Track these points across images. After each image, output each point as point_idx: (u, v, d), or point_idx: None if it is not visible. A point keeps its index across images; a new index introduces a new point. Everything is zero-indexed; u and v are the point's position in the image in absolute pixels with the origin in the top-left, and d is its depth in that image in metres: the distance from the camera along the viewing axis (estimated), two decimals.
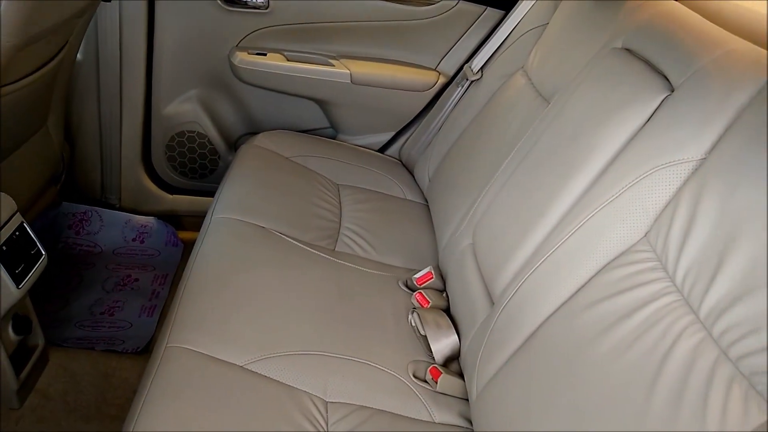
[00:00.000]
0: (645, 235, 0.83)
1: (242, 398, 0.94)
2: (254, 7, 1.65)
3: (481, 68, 1.60)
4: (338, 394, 1.01)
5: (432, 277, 1.28)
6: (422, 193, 1.67)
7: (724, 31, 0.91)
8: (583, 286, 0.87)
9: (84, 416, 1.30)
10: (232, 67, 1.70)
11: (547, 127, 1.11)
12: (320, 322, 1.12)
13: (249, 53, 1.69)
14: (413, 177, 1.75)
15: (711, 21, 0.98)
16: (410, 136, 1.80)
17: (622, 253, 0.84)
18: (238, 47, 1.70)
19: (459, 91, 1.64)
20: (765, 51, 0.81)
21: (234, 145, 1.87)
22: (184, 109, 1.79)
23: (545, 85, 1.28)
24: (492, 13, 1.64)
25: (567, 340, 0.85)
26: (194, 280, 1.14)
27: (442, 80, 1.72)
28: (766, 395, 0.59)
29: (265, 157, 1.59)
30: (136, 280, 1.76)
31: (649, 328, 0.74)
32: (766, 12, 1.00)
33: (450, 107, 1.66)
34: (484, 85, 1.56)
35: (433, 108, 1.73)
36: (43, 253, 1.19)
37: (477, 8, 1.65)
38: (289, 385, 1.00)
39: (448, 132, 1.61)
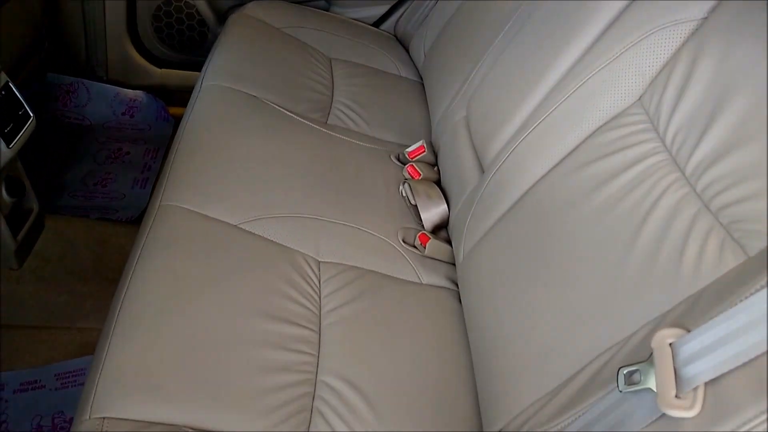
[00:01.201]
0: (639, 99, 0.83)
1: (236, 254, 0.97)
2: None
3: None
4: (330, 255, 1.05)
5: (424, 151, 1.29)
6: (417, 70, 1.64)
7: None
8: (574, 150, 0.87)
9: (82, 278, 1.34)
10: None
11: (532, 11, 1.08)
12: (313, 188, 1.13)
13: None
14: (408, 53, 1.70)
15: None
16: (406, 10, 1.73)
17: (615, 117, 0.84)
18: None
19: None
20: None
21: (224, 17, 1.80)
22: None
23: None
24: None
25: (555, 201, 0.87)
26: (186, 144, 1.13)
27: None
28: (743, 242, 0.61)
29: (255, 27, 1.53)
30: (128, 153, 1.75)
31: (635, 187, 0.75)
32: None
33: None
34: None
35: None
36: (31, 114, 1.18)
37: None
38: (283, 245, 1.02)
39: (444, 6, 1.55)
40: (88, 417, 0.72)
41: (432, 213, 1.16)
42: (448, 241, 1.14)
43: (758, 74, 0.66)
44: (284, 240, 1.03)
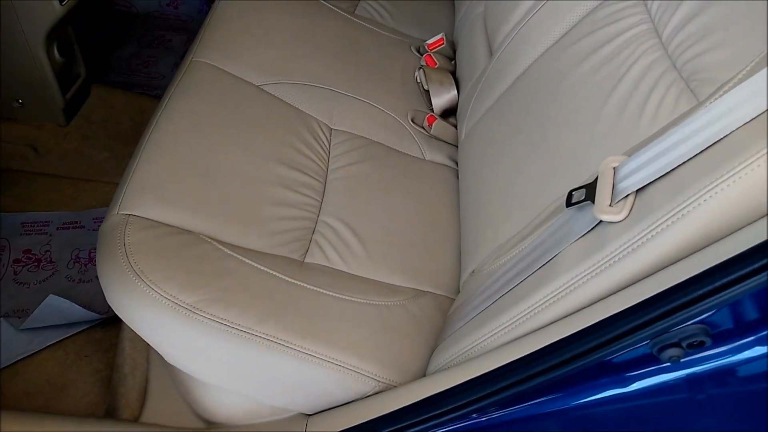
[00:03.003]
0: None
1: (256, 108, 1.07)
2: None
3: None
4: (342, 123, 1.14)
5: (443, 43, 1.35)
6: None
7: None
8: (573, 27, 0.93)
9: (121, 140, 1.47)
10: None
11: None
12: (333, 64, 1.22)
13: None
14: None
15: None
16: None
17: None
18: None
19: None
20: None
21: None
22: None
23: None
24: None
25: (548, 74, 0.94)
26: (221, 11, 1.23)
27: None
28: (696, 90, 0.68)
29: None
30: (170, 40, 1.86)
31: (618, 53, 0.82)
32: None
33: None
34: None
35: None
36: None
37: None
38: (299, 109, 1.12)
39: None
40: (116, 212, 0.85)
41: (443, 98, 1.24)
42: (455, 126, 1.22)
43: None
44: (301, 105, 1.12)
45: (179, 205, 0.88)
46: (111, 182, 1.41)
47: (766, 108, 0.53)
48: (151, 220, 0.85)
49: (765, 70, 0.55)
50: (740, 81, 0.59)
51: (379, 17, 1.44)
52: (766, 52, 0.59)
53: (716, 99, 0.59)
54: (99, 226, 0.89)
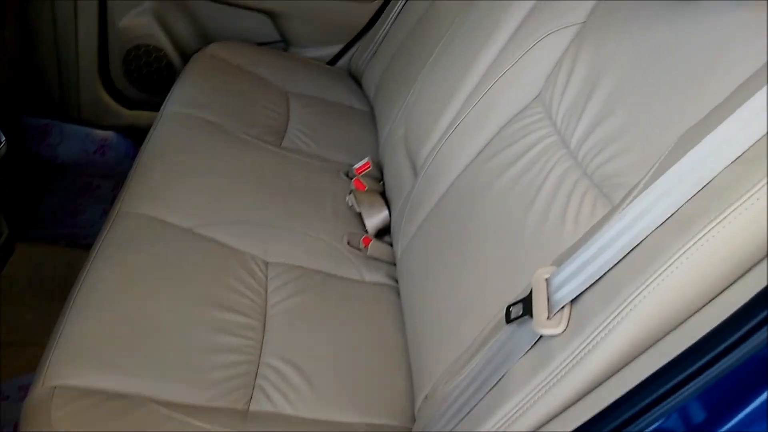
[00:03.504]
0: (538, 95, 0.95)
1: (188, 253, 1.05)
2: None
3: None
4: (278, 255, 1.13)
5: (370, 166, 1.39)
6: (369, 102, 1.77)
7: None
8: (487, 144, 0.98)
9: (49, 297, 1.40)
10: None
11: (465, 17, 1.22)
12: (264, 197, 1.23)
13: None
14: (361, 88, 1.84)
15: None
16: (358, 48, 1.88)
17: (519, 112, 0.96)
18: None
19: (401, 3, 1.73)
20: None
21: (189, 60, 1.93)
22: (139, 22, 1.83)
23: None
24: None
25: (471, 189, 0.97)
26: (145, 160, 1.23)
27: None
28: (610, 195, 0.72)
29: (215, 64, 1.66)
30: (98, 187, 1.84)
31: (531, 166, 0.86)
32: None
33: (394, 16, 1.74)
34: None
35: (380, 18, 1.81)
36: (3, 138, 1.26)
37: None
38: (233, 247, 1.11)
39: (391, 40, 1.70)
40: (42, 384, 0.79)
41: (375, 219, 1.26)
42: (391, 244, 1.23)
43: (620, 58, 0.78)
44: (235, 242, 1.11)
45: (111, 367, 0.83)
46: (38, 344, 1.32)
47: (674, 210, 0.56)
48: (81, 388, 0.79)
49: (667, 174, 0.58)
50: (646, 185, 0.62)
51: (305, 146, 1.48)
52: (660, 160, 0.63)
53: (628, 204, 0.62)
54: (25, 396, 0.82)
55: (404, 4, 1.72)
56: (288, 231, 1.18)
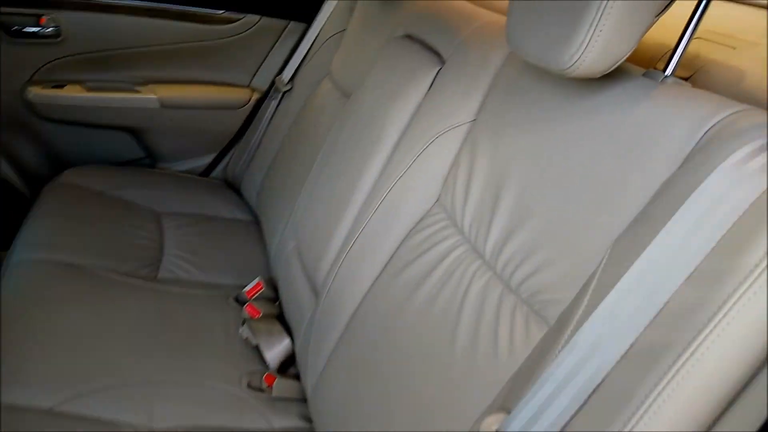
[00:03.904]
0: (437, 200, 0.87)
1: None
2: (44, 37, 1.54)
3: (291, 79, 1.62)
4: (165, 420, 0.94)
5: (262, 287, 1.25)
6: (251, 211, 1.64)
7: (483, 10, 0.99)
8: (391, 258, 0.89)
9: None
10: (28, 104, 1.57)
11: (347, 119, 1.15)
12: (141, 348, 1.04)
13: (45, 87, 1.58)
14: (241, 196, 1.71)
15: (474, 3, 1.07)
16: (233, 155, 1.77)
17: (420, 220, 0.87)
18: (32, 82, 1.57)
19: (274, 104, 1.65)
20: None
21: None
22: None
23: (346, 83, 1.32)
24: (295, 26, 1.67)
25: (382, 312, 0.86)
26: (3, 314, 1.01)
27: (256, 96, 1.72)
28: (543, 313, 0.63)
29: (72, 193, 1.47)
30: None
31: (447, 281, 0.77)
32: None
33: (267, 121, 1.65)
34: (296, 95, 1.58)
35: (252, 124, 1.72)
36: None
37: (280, 23, 1.67)
38: (108, 421, 0.91)
39: (268, 145, 1.60)
40: None
41: (275, 351, 1.10)
42: (298, 376, 1.08)
43: (521, 162, 0.72)
44: (109, 414, 0.92)
45: None
46: None
47: (633, 337, 0.48)
48: None
49: (612, 295, 0.51)
50: (589, 307, 0.54)
51: (185, 274, 1.31)
52: (597, 275, 0.56)
53: (575, 332, 0.53)
54: None
55: (277, 106, 1.64)
56: (174, 386, 1.00)
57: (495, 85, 0.83)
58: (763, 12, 0.80)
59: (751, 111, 0.52)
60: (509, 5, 0.68)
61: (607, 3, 0.54)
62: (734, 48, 0.70)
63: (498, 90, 0.82)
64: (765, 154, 0.46)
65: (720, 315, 0.43)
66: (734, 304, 0.43)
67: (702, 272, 0.45)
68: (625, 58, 0.58)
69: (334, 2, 1.58)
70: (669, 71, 0.63)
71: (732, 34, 0.73)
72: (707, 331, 0.43)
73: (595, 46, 0.56)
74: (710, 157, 0.50)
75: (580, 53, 0.57)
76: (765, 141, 0.47)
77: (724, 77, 0.67)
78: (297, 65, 1.62)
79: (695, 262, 0.46)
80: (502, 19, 0.92)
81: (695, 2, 0.61)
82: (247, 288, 1.26)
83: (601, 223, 0.59)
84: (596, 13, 0.55)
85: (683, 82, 0.62)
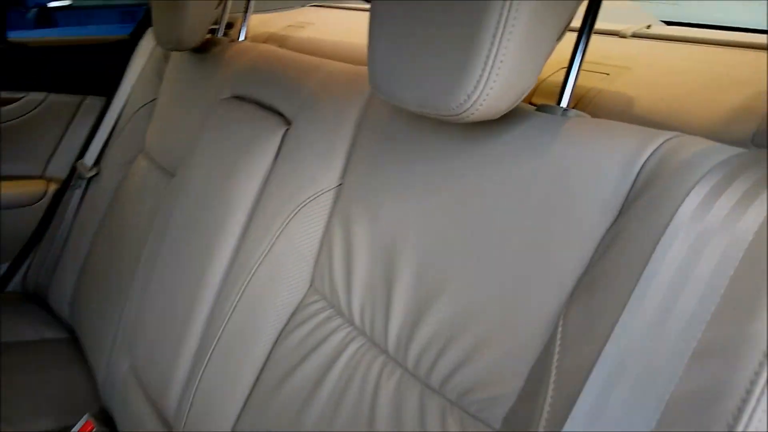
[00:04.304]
0: (311, 284, 0.72)
1: None
2: None
3: (97, 162, 1.37)
4: None
5: (93, 427, 0.98)
6: (65, 326, 1.34)
7: (323, 59, 0.88)
8: (264, 365, 0.71)
9: None
10: None
11: (176, 202, 0.95)
12: None
13: None
14: (49, 310, 1.39)
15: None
16: (32, 262, 1.44)
17: (294, 313, 0.71)
18: None
19: (77, 194, 1.38)
20: (362, 67, 0.79)
21: None
22: None
23: (168, 159, 1.13)
24: (93, 101, 1.43)
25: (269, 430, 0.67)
26: None
27: (53, 187, 1.43)
28: (481, 416, 0.50)
29: None
30: None
31: (347, 386, 0.61)
32: (354, 41, 1.02)
33: (72, 215, 1.38)
34: (105, 181, 1.33)
35: (53, 221, 1.43)
36: None
37: (74, 99, 1.42)
38: None
39: (77, 243, 1.32)
40: None
41: None
42: None
43: (413, 229, 0.60)
44: None
45: None
46: None
47: None
48: None
49: (589, 387, 0.39)
50: (559, 402, 0.42)
51: None
52: (555, 361, 0.44)
53: None
54: None
55: (82, 196, 1.37)
56: None
57: (358, 141, 0.71)
58: (617, 39, 0.78)
59: (682, 138, 0.45)
60: (370, 46, 0.56)
61: (504, 30, 0.44)
62: (608, 74, 0.65)
63: (363, 146, 0.70)
64: (735, 190, 0.38)
65: (752, 401, 0.33)
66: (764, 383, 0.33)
67: (709, 346, 0.35)
68: (528, 91, 0.49)
69: (138, 68, 1.38)
70: (565, 103, 0.55)
71: (598, 60, 0.68)
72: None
73: (496, 81, 0.46)
74: (661, 199, 0.42)
75: (478, 93, 0.46)
76: (724, 173, 0.40)
77: (609, 105, 0.61)
78: (102, 145, 1.37)
79: (695, 333, 0.36)
80: (348, 66, 0.81)
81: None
82: (75, 430, 0.98)
83: (534, 294, 0.48)
84: (492, 43, 0.45)
85: (585, 114, 0.54)
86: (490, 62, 0.45)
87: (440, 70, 0.49)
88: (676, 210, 0.40)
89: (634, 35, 0.79)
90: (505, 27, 0.44)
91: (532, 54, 0.47)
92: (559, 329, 0.45)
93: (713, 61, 0.64)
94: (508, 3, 0.44)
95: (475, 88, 0.46)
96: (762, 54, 0.64)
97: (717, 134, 0.52)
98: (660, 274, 0.39)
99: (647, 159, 0.45)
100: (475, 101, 0.47)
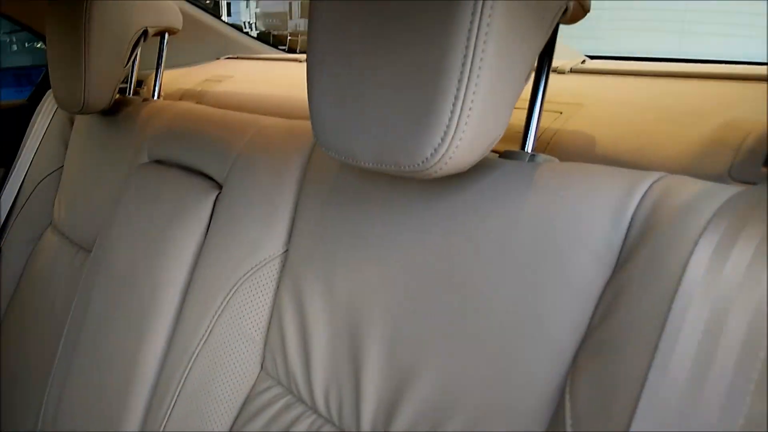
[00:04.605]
0: (261, 367, 0.63)
1: None
2: None
3: None
4: None
5: None
6: None
7: (250, 114, 0.81)
8: None
9: None
10: None
11: (96, 282, 0.84)
12: None
13: None
14: None
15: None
16: None
17: (245, 403, 0.62)
18: None
19: None
20: (299, 121, 0.72)
21: None
22: None
23: (81, 233, 1.01)
24: None
25: None
26: None
27: None
28: None
29: None
30: None
31: None
32: (281, 92, 0.96)
33: None
34: (9, 261, 1.19)
35: None
36: None
37: None
38: None
39: None
40: None
41: None
42: None
43: (378, 298, 0.53)
44: None
45: None
46: None
47: None
48: None
49: None
50: None
51: None
52: None
53: None
54: None
55: None
56: None
57: (302, 200, 0.64)
58: (556, 75, 0.76)
59: (669, 179, 0.42)
60: (311, 96, 0.50)
61: (470, 70, 0.40)
62: (560, 113, 0.63)
63: (308, 205, 0.63)
64: (748, 239, 0.34)
65: None
66: None
67: (756, 420, 0.31)
68: (500, 138, 0.45)
69: (39, 135, 1.25)
70: (529, 148, 0.51)
71: (547, 98, 0.66)
72: None
73: (465, 132, 0.41)
74: (664, 253, 0.37)
75: (446, 146, 0.41)
76: (730, 218, 0.36)
77: (569, 145, 0.58)
78: (1, 223, 1.23)
79: (738, 408, 0.31)
80: (281, 121, 0.75)
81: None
82: None
83: (529, 364, 0.43)
84: (459, 87, 0.40)
85: (553, 158, 0.50)
86: (458, 109, 0.40)
87: (399, 121, 0.43)
88: (685, 265, 0.36)
89: (573, 71, 0.77)
90: (471, 67, 0.40)
91: (503, 96, 0.42)
92: (567, 404, 0.39)
93: (666, 93, 0.63)
94: (473, 39, 0.39)
95: (443, 140, 0.41)
96: (716, 83, 0.63)
97: (691, 170, 0.50)
98: (681, 343, 0.34)
99: (638, 205, 0.41)
100: (443, 155, 0.42)
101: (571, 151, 0.57)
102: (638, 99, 0.63)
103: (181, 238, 0.72)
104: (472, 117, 0.41)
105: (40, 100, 1.30)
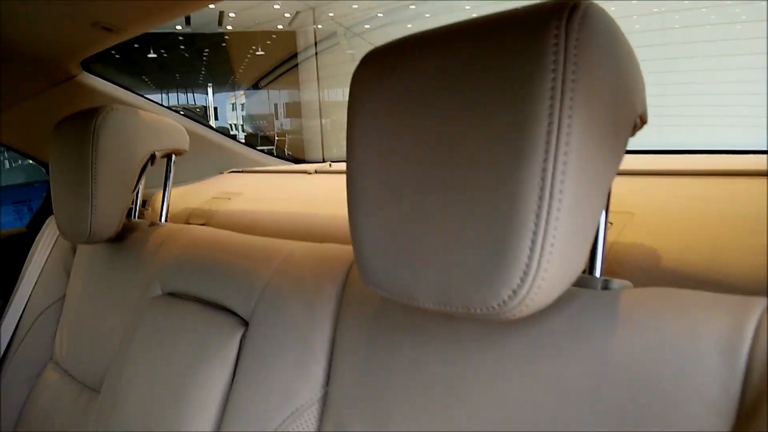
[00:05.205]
0: None
1: None
2: None
3: None
4: None
5: None
6: None
7: (275, 240, 0.76)
8: None
9: None
10: None
11: (107, 427, 0.76)
12: None
13: None
14: None
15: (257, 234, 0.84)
16: None
17: None
18: None
19: None
20: (329, 245, 0.68)
21: None
22: None
23: (86, 371, 0.94)
24: None
25: None
26: None
27: None
28: None
29: None
30: None
31: None
32: (298, 210, 0.92)
33: None
34: (6, 400, 1.10)
35: None
36: None
37: None
38: None
39: None
40: None
41: None
42: None
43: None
44: None
45: None
46: None
47: None
48: None
49: None
50: None
51: None
52: None
53: None
54: None
55: None
56: None
57: (341, 336, 0.58)
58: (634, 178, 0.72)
59: None
60: (354, 229, 0.46)
61: (549, 204, 0.35)
62: (611, 223, 0.59)
63: (349, 340, 0.57)
64: None
65: None
66: None
67: None
68: (580, 272, 0.40)
69: (40, 264, 1.20)
70: (598, 272, 0.47)
71: None
72: None
73: (548, 269, 0.37)
74: None
75: (528, 285, 0.37)
76: None
77: (630, 262, 0.54)
78: None
79: None
80: (309, 245, 0.70)
81: None
82: None
83: None
84: (539, 223, 0.36)
85: (629, 283, 0.46)
86: (538, 246, 0.36)
87: (465, 261, 0.39)
88: None
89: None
90: (551, 200, 0.36)
91: (584, 227, 0.38)
92: None
93: (716, 196, 0.59)
94: (549, 171, 0.35)
95: (523, 280, 0.37)
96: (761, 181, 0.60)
97: None
98: None
99: (752, 341, 0.36)
100: (524, 297, 0.37)
101: (633, 269, 0.53)
102: (694, 205, 0.59)
103: (203, 385, 0.65)
104: (554, 254, 0.37)
105: (40, 228, 1.26)
